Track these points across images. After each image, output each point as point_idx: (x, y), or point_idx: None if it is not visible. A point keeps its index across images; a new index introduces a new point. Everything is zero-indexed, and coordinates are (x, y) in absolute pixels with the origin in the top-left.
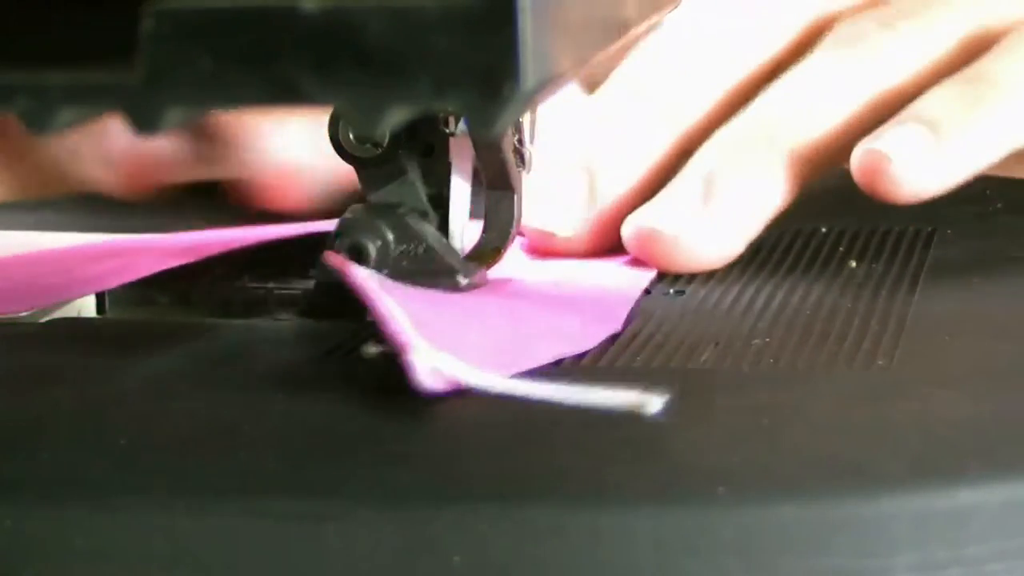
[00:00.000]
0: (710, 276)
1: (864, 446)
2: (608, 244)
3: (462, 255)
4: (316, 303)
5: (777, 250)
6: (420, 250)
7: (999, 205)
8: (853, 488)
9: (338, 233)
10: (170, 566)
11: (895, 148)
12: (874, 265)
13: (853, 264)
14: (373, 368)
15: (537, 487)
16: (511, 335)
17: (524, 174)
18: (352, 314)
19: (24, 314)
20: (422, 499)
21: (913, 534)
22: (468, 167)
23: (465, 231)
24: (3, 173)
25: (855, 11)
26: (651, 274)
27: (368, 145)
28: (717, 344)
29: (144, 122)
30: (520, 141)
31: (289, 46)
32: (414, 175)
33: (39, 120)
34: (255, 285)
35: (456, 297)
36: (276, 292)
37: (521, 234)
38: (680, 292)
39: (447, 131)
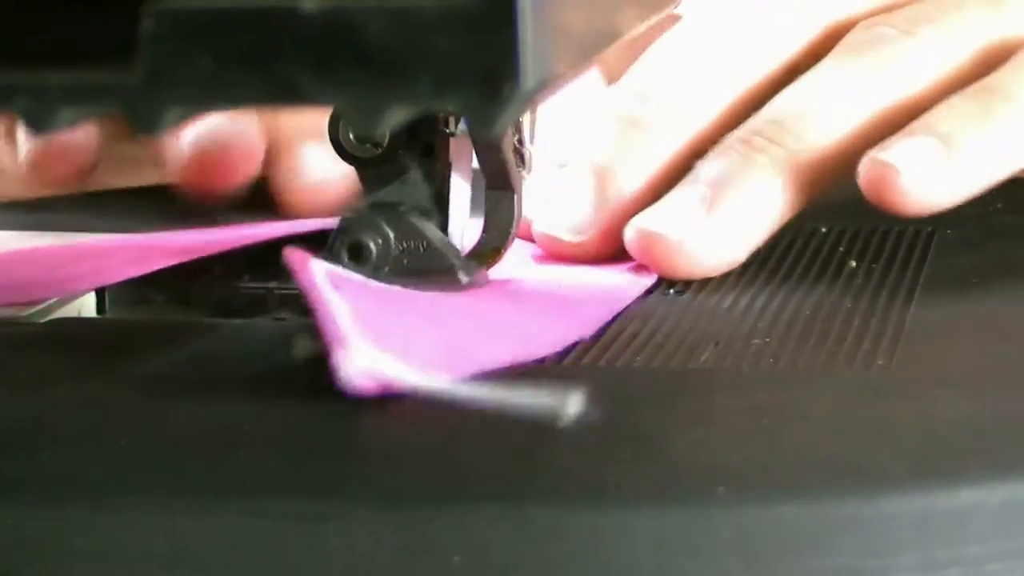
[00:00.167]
0: (710, 276)
1: (864, 446)
2: (617, 248)
3: (462, 254)
4: None
5: (777, 250)
6: (421, 248)
7: (999, 205)
8: (853, 488)
9: (339, 231)
10: (170, 566)
11: (904, 160)
12: (874, 265)
13: (853, 264)
14: None
15: (537, 487)
16: (468, 337)
17: (524, 174)
18: None
19: (24, 314)
20: (422, 499)
21: (913, 534)
22: (468, 167)
23: (465, 230)
24: None
25: (869, 17)
26: (648, 282)
27: (368, 145)
28: (717, 344)
29: (144, 122)
30: (520, 141)
31: (289, 46)
32: (414, 175)
33: (39, 120)
34: (255, 285)
35: (421, 297)
36: (276, 292)
37: (530, 239)
38: (680, 292)
39: (447, 131)
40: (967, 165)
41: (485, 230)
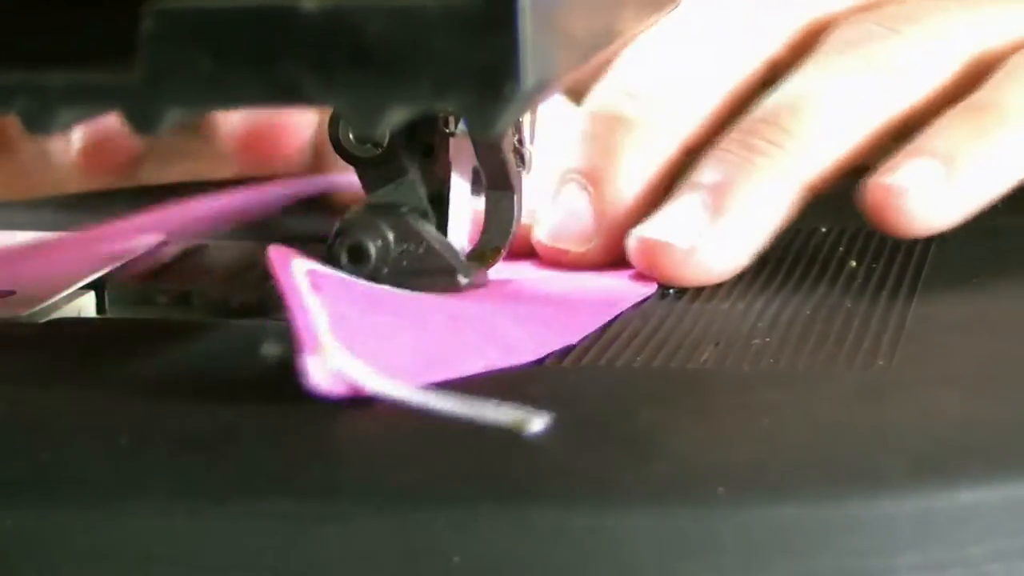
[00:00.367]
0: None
1: (864, 446)
2: (620, 254)
3: (462, 255)
4: None
5: (777, 250)
6: (420, 250)
7: (999, 205)
8: (853, 488)
9: (338, 232)
10: (170, 566)
11: (908, 183)
12: (874, 265)
13: (853, 264)
14: None
15: (537, 487)
16: (445, 343)
17: (524, 174)
18: None
19: (24, 314)
20: (422, 499)
21: (913, 534)
22: (468, 167)
23: (465, 231)
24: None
25: (852, 13)
26: (647, 291)
27: (368, 145)
28: (717, 344)
29: (144, 122)
30: (520, 141)
31: (289, 46)
32: (414, 175)
33: (39, 120)
34: (255, 285)
35: (406, 299)
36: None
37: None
38: (680, 292)
39: (447, 131)
40: (969, 184)
41: (485, 230)
